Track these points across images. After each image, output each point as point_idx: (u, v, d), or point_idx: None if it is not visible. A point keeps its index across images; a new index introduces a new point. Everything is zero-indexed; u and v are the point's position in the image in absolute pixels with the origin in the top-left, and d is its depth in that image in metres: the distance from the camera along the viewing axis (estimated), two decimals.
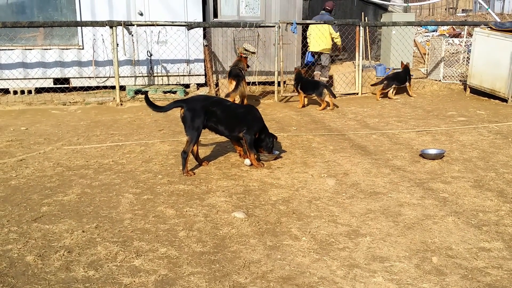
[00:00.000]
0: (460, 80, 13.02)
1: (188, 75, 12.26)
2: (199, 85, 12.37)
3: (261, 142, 6.50)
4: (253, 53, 12.15)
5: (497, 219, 4.82)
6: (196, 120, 6.07)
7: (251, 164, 6.40)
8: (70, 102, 10.79)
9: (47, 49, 11.46)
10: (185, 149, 6.12)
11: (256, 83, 12.42)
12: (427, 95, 11.92)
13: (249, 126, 6.32)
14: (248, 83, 12.06)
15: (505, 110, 10.02)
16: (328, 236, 4.46)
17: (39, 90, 11.48)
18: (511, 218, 4.84)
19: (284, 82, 12.07)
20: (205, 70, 12.15)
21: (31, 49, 11.37)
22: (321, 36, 11.92)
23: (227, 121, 6.27)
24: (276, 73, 11.32)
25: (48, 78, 11.55)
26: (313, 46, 12.17)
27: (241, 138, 6.44)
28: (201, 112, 6.09)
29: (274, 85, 11.46)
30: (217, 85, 11.94)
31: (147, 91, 6.30)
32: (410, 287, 3.63)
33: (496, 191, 5.54)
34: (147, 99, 6.14)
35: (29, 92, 11.38)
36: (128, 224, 4.70)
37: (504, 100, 10.73)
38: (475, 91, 11.74)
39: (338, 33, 12.06)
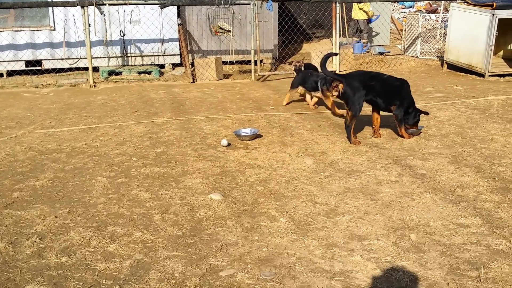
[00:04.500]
0: (437, 56, 13.03)
1: (163, 55, 12.04)
2: (174, 65, 12.17)
3: (407, 115, 6.56)
4: (228, 31, 12.00)
5: (475, 194, 4.82)
6: (357, 95, 6.34)
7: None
8: (42, 85, 10.54)
9: (17, 30, 11.16)
10: (348, 123, 6.44)
11: (233, 62, 12.28)
12: (404, 72, 11.90)
13: (401, 100, 6.46)
14: (225, 63, 11.95)
15: (482, 85, 10.04)
16: (306, 216, 4.42)
17: (10, 73, 11.21)
18: (489, 193, 4.85)
19: (261, 61, 11.93)
20: (180, 49, 11.96)
21: (1, 31, 11.06)
22: (356, 7, 14.20)
23: (385, 94, 6.47)
24: (252, 51, 11.16)
25: (20, 60, 11.27)
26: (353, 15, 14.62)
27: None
28: (360, 87, 6.34)
29: (250, 64, 11.32)
30: (192, 64, 11.75)
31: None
32: (388, 265, 3.61)
33: (474, 167, 5.54)
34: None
35: (1, 75, 11.10)
36: (101, 208, 4.60)
37: (481, 75, 10.77)
38: (452, 67, 11.76)
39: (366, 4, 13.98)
